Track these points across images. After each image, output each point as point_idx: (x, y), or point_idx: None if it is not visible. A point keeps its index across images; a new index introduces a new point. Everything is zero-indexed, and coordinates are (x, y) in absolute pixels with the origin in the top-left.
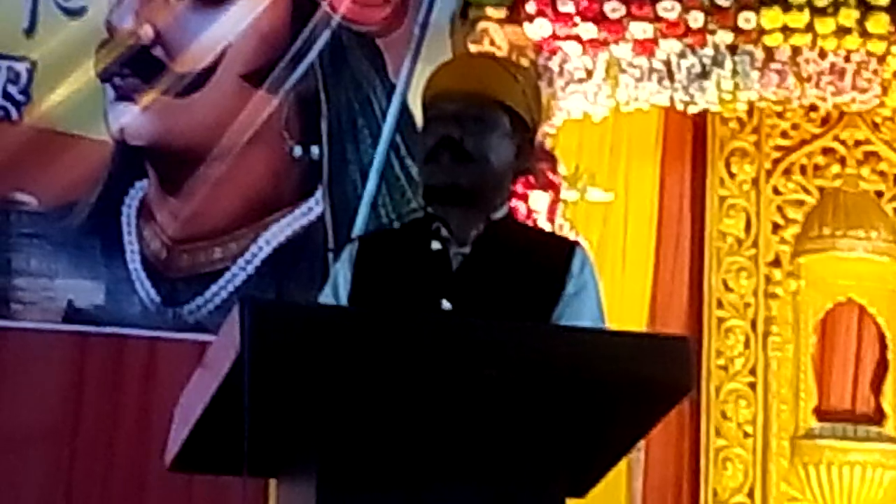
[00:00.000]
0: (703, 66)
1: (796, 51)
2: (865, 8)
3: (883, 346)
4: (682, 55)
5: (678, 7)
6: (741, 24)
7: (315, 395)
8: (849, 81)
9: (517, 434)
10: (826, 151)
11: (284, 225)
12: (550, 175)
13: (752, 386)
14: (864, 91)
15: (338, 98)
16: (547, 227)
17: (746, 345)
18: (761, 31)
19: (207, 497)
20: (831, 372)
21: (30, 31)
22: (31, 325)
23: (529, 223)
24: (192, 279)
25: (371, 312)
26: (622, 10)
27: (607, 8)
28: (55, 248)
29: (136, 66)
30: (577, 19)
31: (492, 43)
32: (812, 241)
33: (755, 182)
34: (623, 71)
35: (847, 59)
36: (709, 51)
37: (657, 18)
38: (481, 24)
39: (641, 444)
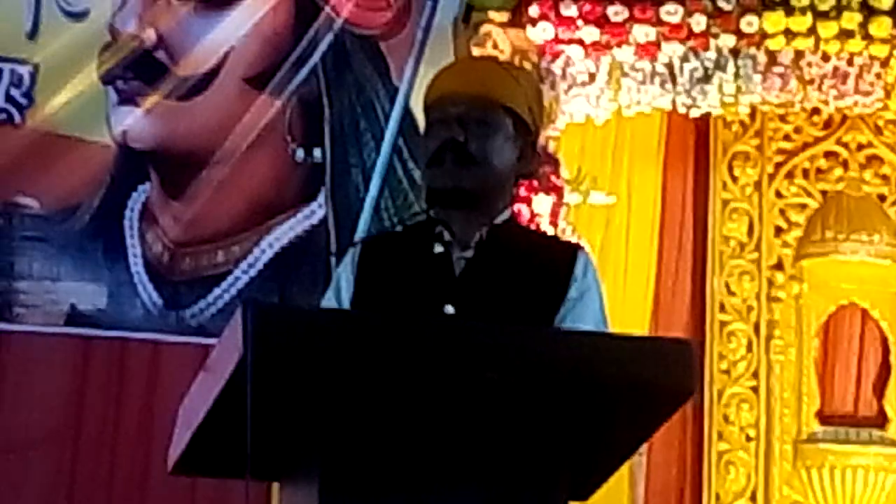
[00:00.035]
0: (706, 69)
1: (799, 54)
2: (868, 11)
3: (885, 350)
4: (684, 59)
5: (681, 10)
6: (744, 27)
7: (318, 399)
8: (851, 85)
9: (519, 438)
10: (829, 155)
11: (287, 228)
12: (553, 178)
13: (755, 389)
14: (866, 94)
15: (340, 101)
16: (550, 231)
17: (749, 348)
18: (764, 35)
19: (210, 500)
20: (834, 375)
21: (32, 34)
22: (34, 328)
23: (532, 227)
24: (195, 282)
25: (373, 316)
26: (625, 14)
27: (610, 11)
28: (58, 252)
29: (138, 70)
30: (580, 23)
31: (494, 46)
32: (814, 245)
33: (758, 185)
34: (625, 74)
35: (850, 63)
36: (711, 54)
37: (660, 22)
38: (484, 28)
39: (644, 447)
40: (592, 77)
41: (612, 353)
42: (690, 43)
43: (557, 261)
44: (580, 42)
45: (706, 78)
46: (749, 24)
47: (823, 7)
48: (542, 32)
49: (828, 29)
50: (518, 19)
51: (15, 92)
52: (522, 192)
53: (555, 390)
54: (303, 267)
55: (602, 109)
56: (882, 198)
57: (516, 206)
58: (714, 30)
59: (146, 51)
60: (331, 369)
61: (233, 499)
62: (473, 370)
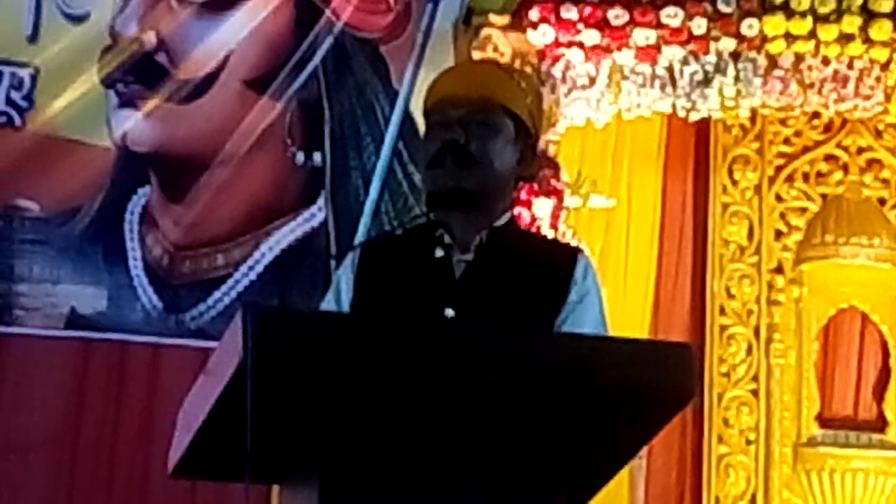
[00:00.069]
0: (706, 72)
1: (799, 58)
2: (868, 15)
3: (885, 353)
4: (684, 62)
5: (681, 14)
6: (744, 30)
7: (318, 402)
8: (852, 88)
9: (519, 441)
10: (829, 158)
11: (287, 231)
12: (553, 182)
13: (755, 393)
14: (867, 98)
15: (341, 104)
16: (550, 234)
17: (749, 352)
18: (764, 38)
19: (209, 503)
20: (834, 379)
21: (33, 37)
22: (34, 331)
23: (532, 230)
24: (195, 285)
25: (373, 319)
26: (625, 17)
27: (610, 15)
28: (58, 255)
29: (139, 73)
30: (580, 26)
31: (495, 49)
32: (814, 248)
33: (758, 189)
34: (626, 78)
35: (850, 66)
36: (711, 58)
37: (660, 25)
38: (484, 31)
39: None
40: (592, 80)
41: (612, 357)
42: (691, 46)
43: (557, 264)
44: (580, 45)
45: (706, 81)
46: (749, 27)
47: (824, 10)
48: (542, 36)
49: (828, 32)
50: (518, 23)
51: (15, 95)
52: (523, 195)
53: (555, 393)
54: (303, 270)
55: (602, 113)
56: (882, 201)
57: (517, 210)
58: (714, 33)
59: (146, 54)
60: (331, 372)
61: (233, 502)
62: (473, 373)
